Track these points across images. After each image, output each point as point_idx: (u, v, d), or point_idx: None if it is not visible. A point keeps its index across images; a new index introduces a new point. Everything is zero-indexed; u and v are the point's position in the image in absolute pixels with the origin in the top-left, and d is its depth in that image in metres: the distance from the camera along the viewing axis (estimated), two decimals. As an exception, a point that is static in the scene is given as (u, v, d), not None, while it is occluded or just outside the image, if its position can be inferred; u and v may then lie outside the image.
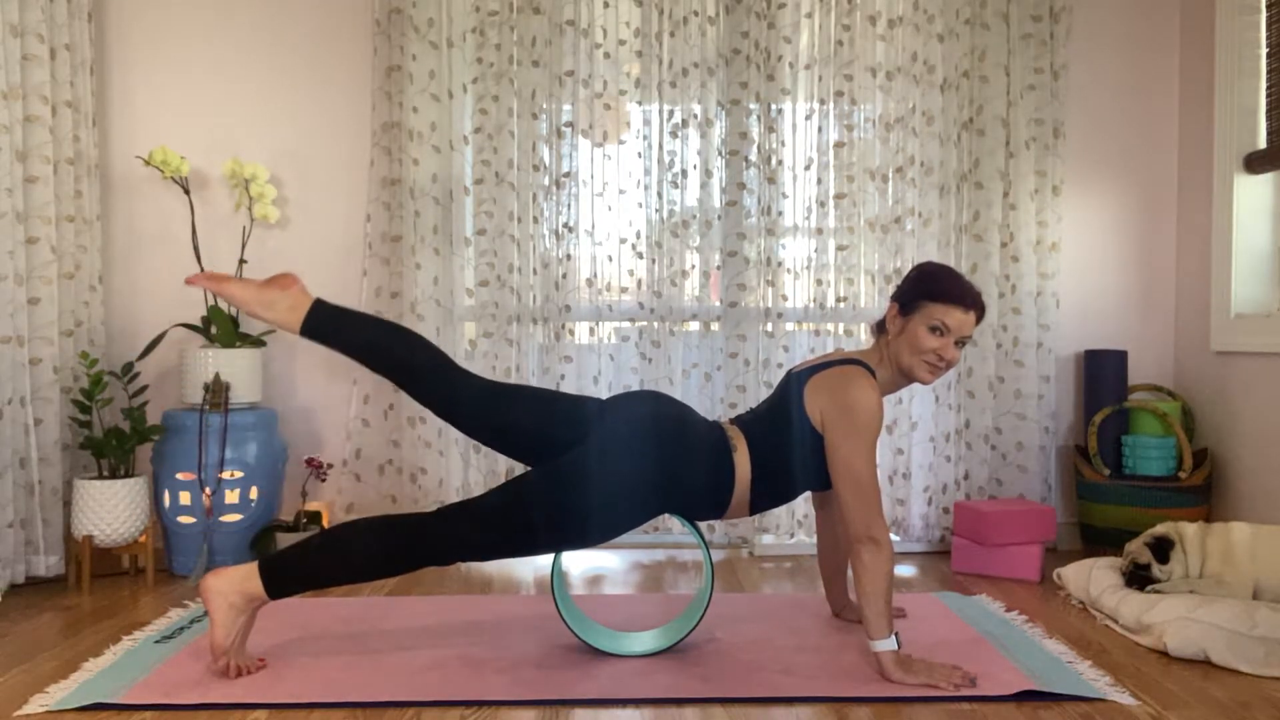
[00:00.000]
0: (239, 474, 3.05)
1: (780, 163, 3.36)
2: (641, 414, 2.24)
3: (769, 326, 3.37)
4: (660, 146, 3.36)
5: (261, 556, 2.14)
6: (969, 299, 2.24)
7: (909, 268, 2.83)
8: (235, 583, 2.10)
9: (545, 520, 2.14)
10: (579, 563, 3.25)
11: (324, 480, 3.31)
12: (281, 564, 2.12)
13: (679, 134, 3.36)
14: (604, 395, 3.39)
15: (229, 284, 2.18)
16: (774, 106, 3.35)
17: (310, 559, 2.13)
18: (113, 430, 2.98)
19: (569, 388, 3.35)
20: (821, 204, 3.37)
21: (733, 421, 2.33)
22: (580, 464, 2.16)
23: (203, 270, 3.28)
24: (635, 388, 3.38)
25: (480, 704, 2.00)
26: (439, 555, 2.15)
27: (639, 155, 3.38)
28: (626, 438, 2.19)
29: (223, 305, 3.17)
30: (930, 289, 2.24)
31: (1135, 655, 2.30)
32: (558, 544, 2.20)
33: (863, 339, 3.41)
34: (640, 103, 3.37)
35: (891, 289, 3.26)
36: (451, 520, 2.14)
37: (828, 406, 2.18)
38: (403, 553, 2.13)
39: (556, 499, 2.14)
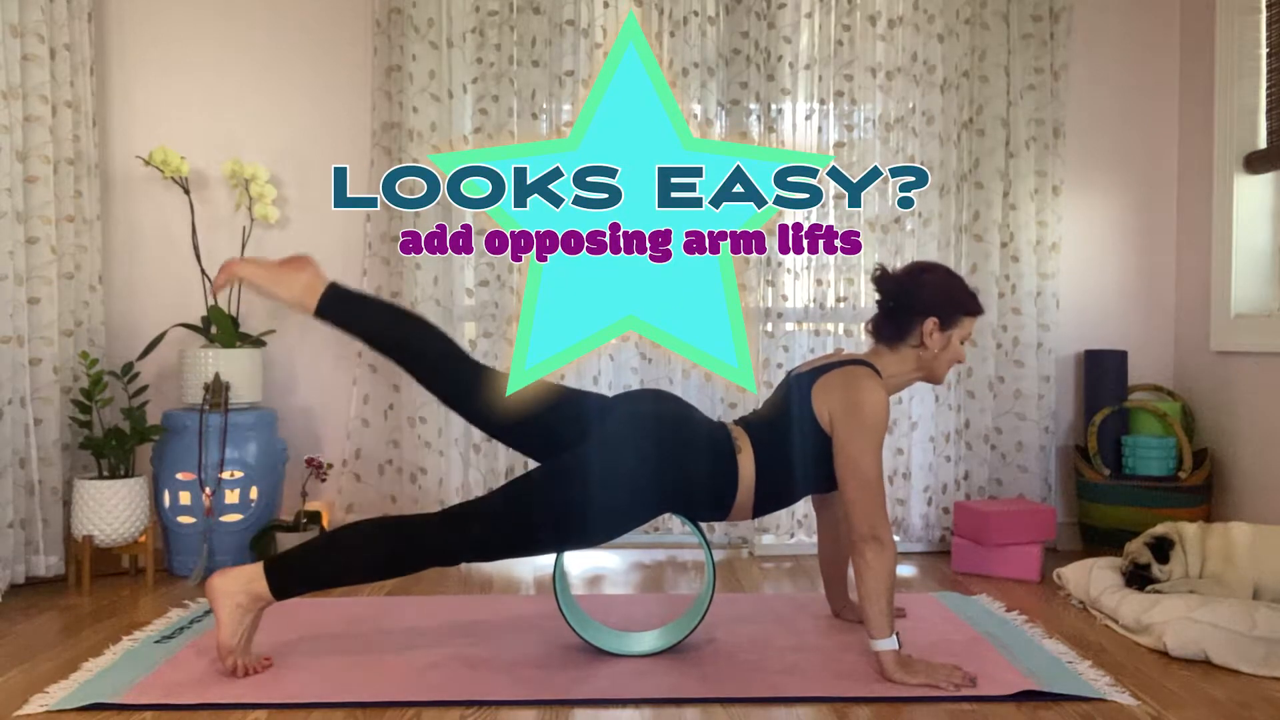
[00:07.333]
0: (239, 474, 3.05)
1: (780, 163, 3.35)
2: (643, 413, 2.24)
3: (769, 326, 3.37)
4: (660, 146, 3.36)
5: (267, 557, 2.15)
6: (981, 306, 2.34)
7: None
8: (241, 583, 2.10)
9: (548, 520, 2.14)
10: (579, 563, 3.24)
11: (324, 480, 3.31)
12: (287, 566, 2.13)
13: (679, 134, 3.36)
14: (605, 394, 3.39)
15: (243, 265, 2.22)
16: (774, 106, 3.35)
17: (315, 561, 2.14)
18: (113, 430, 2.97)
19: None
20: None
21: (737, 423, 2.32)
22: (582, 463, 2.15)
23: (203, 272, 3.28)
24: (636, 388, 3.38)
25: (480, 704, 2.00)
26: (443, 557, 2.15)
27: (639, 155, 3.38)
28: (628, 436, 2.19)
29: (222, 304, 3.17)
30: (966, 304, 2.29)
31: (1135, 655, 2.30)
32: (561, 543, 2.20)
33: (863, 339, 3.40)
34: (640, 103, 3.36)
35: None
36: (454, 523, 2.14)
37: (837, 406, 2.17)
38: (406, 555, 2.14)
39: (559, 499, 2.14)
